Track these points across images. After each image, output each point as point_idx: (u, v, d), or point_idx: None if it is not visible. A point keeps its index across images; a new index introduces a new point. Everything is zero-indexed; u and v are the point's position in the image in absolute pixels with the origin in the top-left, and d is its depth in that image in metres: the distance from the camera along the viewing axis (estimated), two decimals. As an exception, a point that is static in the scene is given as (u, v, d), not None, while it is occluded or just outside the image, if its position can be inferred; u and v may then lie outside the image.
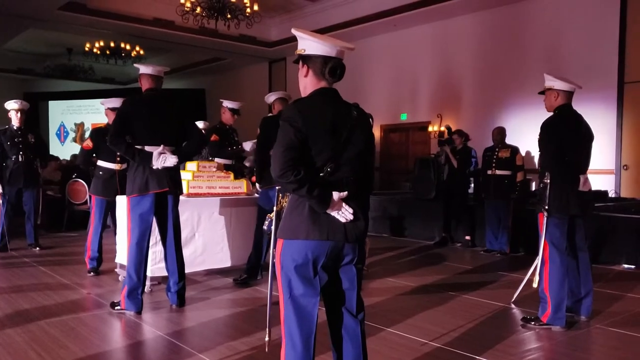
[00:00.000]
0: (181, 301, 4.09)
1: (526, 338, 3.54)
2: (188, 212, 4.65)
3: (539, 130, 3.80)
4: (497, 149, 6.65)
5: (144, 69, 4.00)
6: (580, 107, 8.83)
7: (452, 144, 7.38)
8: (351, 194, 2.15)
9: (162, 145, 3.82)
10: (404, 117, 12.28)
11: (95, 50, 14.37)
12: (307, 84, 2.24)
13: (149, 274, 4.49)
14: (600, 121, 9.03)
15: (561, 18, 9.49)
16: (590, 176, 9.35)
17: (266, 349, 2.50)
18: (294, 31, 2.24)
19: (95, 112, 16.76)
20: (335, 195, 2.10)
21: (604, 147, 9.08)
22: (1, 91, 17.50)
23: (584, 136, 3.84)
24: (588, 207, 3.84)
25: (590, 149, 3.95)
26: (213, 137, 5.67)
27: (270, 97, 5.11)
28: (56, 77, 17.64)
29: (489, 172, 6.61)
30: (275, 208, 2.31)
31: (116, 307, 3.91)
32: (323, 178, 2.11)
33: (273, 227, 2.31)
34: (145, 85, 3.99)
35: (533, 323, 3.77)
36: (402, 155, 12.54)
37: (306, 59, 2.21)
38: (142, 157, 3.79)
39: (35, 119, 17.36)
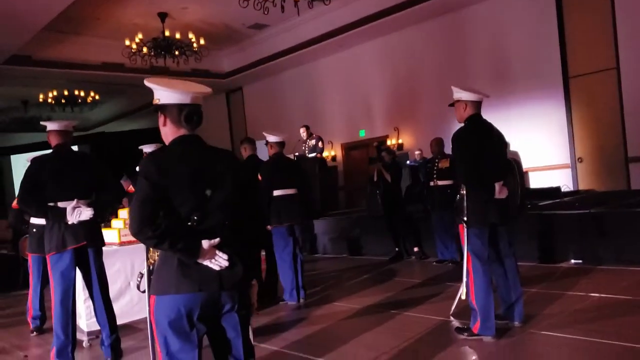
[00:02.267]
0: (115, 354, 4.00)
1: (458, 353, 3.54)
2: (119, 262, 4.59)
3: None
4: (437, 160, 6.71)
5: (50, 125, 3.98)
6: (530, 106, 9.27)
7: (383, 161, 7.46)
8: (226, 240, 2.13)
9: (75, 200, 3.78)
10: (362, 134, 12.38)
11: (49, 100, 14.33)
12: (167, 132, 2.23)
13: (85, 328, 4.45)
14: (551, 118, 9.25)
15: (502, 22, 9.73)
16: (545, 172, 9.57)
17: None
18: (146, 82, 2.23)
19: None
20: (205, 243, 2.08)
21: (557, 143, 9.26)
22: (-40, 148, 17.33)
23: (496, 144, 3.88)
24: (507, 214, 3.85)
25: (505, 156, 3.99)
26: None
27: None
28: (14, 131, 17.50)
29: (432, 183, 6.66)
30: (145, 263, 2.28)
31: (46, 370, 3.82)
32: (191, 228, 2.09)
33: (145, 283, 2.28)
34: (53, 141, 3.97)
35: (465, 334, 3.77)
36: (364, 172, 12.56)
37: (162, 109, 2.20)
38: (55, 214, 3.74)
39: (-1, 174, 17.15)
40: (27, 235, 7.92)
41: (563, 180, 9.04)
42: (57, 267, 3.76)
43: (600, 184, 8.89)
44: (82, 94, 14.40)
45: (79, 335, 4.41)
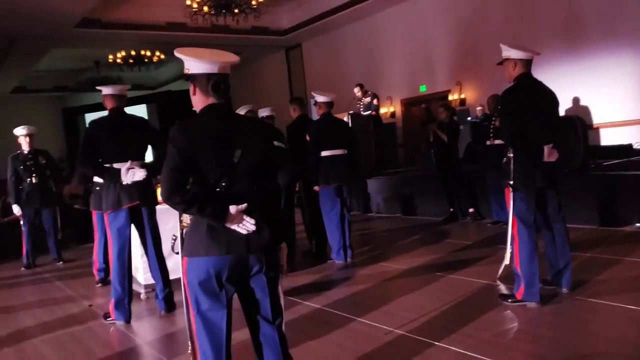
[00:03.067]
0: (169, 307, 4.27)
1: (496, 319, 3.50)
2: (173, 220, 4.76)
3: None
4: (493, 118, 6.45)
5: (105, 90, 4.16)
6: (603, 57, 8.69)
7: (436, 121, 7.24)
8: (253, 205, 2.20)
9: (129, 161, 3.98)
10: (423, 89, 12.04)
11: (118, 60, 14.89)
12: (196, 102, 2.28)
13: (142, 282, 4.76)
14: (626, 70, 8.62)
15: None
16: (618, 129, 9.02)
17: (191, 360, 2.61)
18: (176, 53, 2.28)
19: (130, 119, 17.38)
20: (233, 208, 2.15)
21: (631, 96, 8.63)
22: (42, 109, 18.52)
23: (547, 105, 3.69)
24: (556, 177, 3.70)
25: (556, 117, 3.80)
26: None
27: (240, 112, 5.16)
28: (89, 90, 18.39)
29: (488, 142, 6.44)
30: (179, 227, 2.39)
31: (107, 318, 4.15)
32: (220, 193, 2.17)
33: (179, 246, 2.40)
34: (108, 105, 4.16)
35: (509, 300, 3.72)
36: (424, 129, 12.36)
37: (191, 78, 2.25)
38: (111, 175, 3.98)
39: (76, 132, 18.21)
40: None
41: (638, 137, 8.47)
42: (114, 224, 4.02)
43: (679, 141, 8.26)
44: (149, 53, 14.80)
45: (137, 288, 4.76)
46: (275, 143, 3.58)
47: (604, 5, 8.66)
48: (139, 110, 18.43)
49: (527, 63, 3.68)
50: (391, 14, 12.19)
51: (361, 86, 9.90)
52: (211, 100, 2.24)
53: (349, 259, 5.47)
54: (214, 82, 2.21)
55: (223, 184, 2.16)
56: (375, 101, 9.67)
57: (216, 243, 2.15)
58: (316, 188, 5.59)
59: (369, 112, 9.65)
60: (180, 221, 2.36)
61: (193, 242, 2.20)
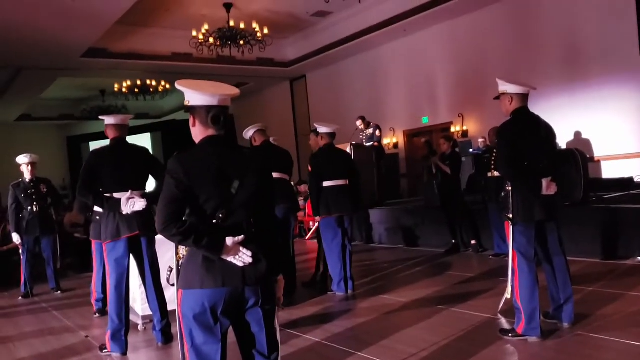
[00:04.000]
0: (166, 338, 4.22)
1: (496, 354, 3.45)
2: (171, 251, 4.75)
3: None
4: (494, 150, 6.46)
5: (107, 119, 4.19)
6: (604, 90, 8.76)
7: (438, 154, 7.27)
8: (250, 237, 2.20)
9: (130, 191, 3.99)
10: (425, 121, 12.15)
11: (124, 89, 15.07)
12: (196, 133, 2.30)
13: (140, 312, 4.71)
14: (626, 103, 8.70)
15: (573, 1, 9.15)
16: (619, 162, 9.06)
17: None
18: (177, 85, 2.31)
19: (134, 148, 17.47)
20: (229, 240, 2.14)
21: (632, 129, 8.70)
22: (46, 137, 18.67)
23: (544, 138, 3.71)
24: (555, 210, 3.69)
25: (553, 150, 3.82)
26: None
27: (249, 132, 5.36)
28: (93, 119, 18.59)
29: (489, 174, 6.45)
30: (175, 258, 2.38)
31: (103, 350, 4.10)
32: (216, 225, 2.16)
33: (175, 278, 2.38)
34: (110, 134, 4.19)
35: (510, 335, 3.67)
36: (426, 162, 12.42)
37: (191, 110, 2.28)
38: (111, 204, 3.98)
39: (79, 160, 18.30)
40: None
41: (638, 170, 8.48)
42: (112, 254, 4.00)
43: (679, 175, 8.26)
44: (154, 83, 15.00)
45: (134, 319, 4.70)
46: (275, 175, 3.60)
47: (605, 40, 8.78)
48: (143, 139, 18.56)
49: (524, 97, 3.71)
50: (394, 47, 12.39)
51: (363, 119, 10.00)
52: (210, 132, 2.26)
53: (350, 291, 5.42)
54: (213, 115, 2.23)
55: (220, 215, 2.16)
56: (377, 132, 9.74)
57: (212, 275, 2.14)
58: (317, 218, 5.59)
59: (371, 143, 9.71)
60: (177, 253, 2.35)
61: (188, 274, 2.19)
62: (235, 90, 2.37)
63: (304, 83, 15.37)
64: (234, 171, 2.20)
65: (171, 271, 2.47)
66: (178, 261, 2.35)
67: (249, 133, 5.46)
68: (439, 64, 11.54)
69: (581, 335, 3.58)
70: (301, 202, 10.23)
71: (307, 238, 10.38)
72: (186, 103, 2.29)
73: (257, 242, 2.22)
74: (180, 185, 2.11)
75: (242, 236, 2.17)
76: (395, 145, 12.66)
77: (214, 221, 2.15)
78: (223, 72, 13.65)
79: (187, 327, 2.19)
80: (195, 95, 2.25)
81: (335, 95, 14.03)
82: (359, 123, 9.93)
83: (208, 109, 2.24)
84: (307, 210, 9.60)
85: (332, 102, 13.99)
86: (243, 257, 2.17)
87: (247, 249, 2.17)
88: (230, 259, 2.15)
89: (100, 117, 4.33)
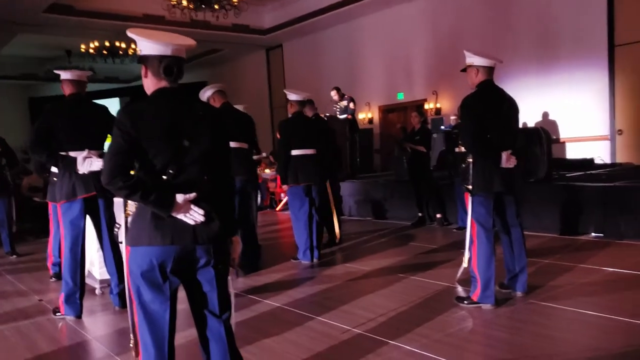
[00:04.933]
0: (123, 302, 4.11)
1: (452, 319, 3.50)
2: (132, 213, 4.70)
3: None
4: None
5: (64, 74, 4.03)
6: (572, 73, 8.87)
7: (410, 137, 7.34)
8: (203, 195, 2.14)
9: (87, 150, 3.86)
10: (400, 97, 12.15)
11: (91, 50, 14.51)
12: (148, 85, 2.21)
13: (98, 276, 4.63)
14: (593, 86, 8.85)
15: (548, -15, 9.21)
16: (583, 143, 9.25)
17: (133, 354, 2.53)
18: (128, 33, 2.21)
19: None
20: (180, 197, 2.08)
21: (597, 113, 8.87)
22: (6, 97, 17.94)
23: (507, 112, 3.73)
24: (514, 184, 3.73)
25: (516, 124, 3.85)
26: None
27: (207, 92, 5.03)
28: (58, 80, 17.87)
29: (456, 149, 6.49)
30: (123, 215, 2.32)
31: (57, 313, 4.02)
32: (167, 181, 2.10)
33: (122, 235, 2.33)
34: (67, 90, 4.03)
35: (465, 302, 3.74)
36: (398, 133, 12.46)
37: (143, 60, 2.18)
38: (66, 163, 3.84)
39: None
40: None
41: (601, 152, 8.68)
42: (67, 215, 3.89)
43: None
44: (124, 45, 14.49)
45: (92, 283, 4.63)
46: (232, 144, 3.48)
47: (576, 24, 8.89)
48: (112, 104, 18.06)
49: (490, 70, 3.72)
50: (372, 20, 12.27)
51: (338, 89, 9.91)
52: (163, 83, 2.17)
53: (315, 260, 5.43)
54: (166, 65, 2.14)
55: (170, 171, 2.09)
56: (351, 105, 9.68)
57: (160, 232, 2.08)
58: (285, 187, 5.54)
59: (345, 115, 9.65)
60: (125, 209, 2.29)
61: (136, 230, 2.12)
62: (190, 41, 2.28)
63: (280, 52, 15.11)
64: (186, 126, 2.13)
65: (119, 228, 2.40)
66: (126, 217, 2.30)
67: (206, 93, 5.10)
68: (417, 40, 11.50)
69: (533, 304, 3.67)
70: (272, 172, 10.17)
71: (277, 209, 10.35)
72: (138, 52, 2.20)
73: (211, 200, 2.16)
74: (127, 137, 2.03)
75: (194, 194, 2.10)
76: (370, 121, 12.65)
77: (164, 177, 2.09)
78: (196, 36, 13.00)
79: (134, 285, 2.14)
80: (147, 44, 2.15)
81: (312, 66, 13.87)
82: (333, 94, 9.84)
83: (160, 58, 2.14)
84: (277, 182, 9.55)
85: (308, 73, 13.83)
86: (194, 215, 2.11)
87: (199, 207, 2.11)
88: (180, 216, 2.09)
89: (55, 71, 4.14)
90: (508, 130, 3.71)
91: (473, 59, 3.71)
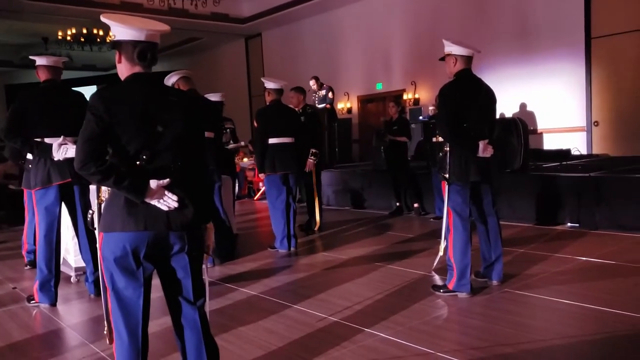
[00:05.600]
0: (98, 290, 4.08)
1: (428, 307, 3.54)
2: (108, 200, 4.65)
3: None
4: (439, 115, 6.54)
5: (39, 60, 3.97)
6: (550, 65, 8.97)
7: (388, 127, 7.36)
8: (177, 181, 2.12)
9: (62, 137, 3.81)
10: (379, 87, 12.16)
11: (68, 38, 14.28)
12: (122, 70, 2.19)
13: (73, 264, 4.58)
14: (570, 78, 8.95)
15: (525, -25, 9.29)
16: (560, 135, 9.39)
17: (107, 341, 2.51)
18: (102, 18, 2.18)
19: (78, 101, 16.70)
20: (153, 183, 2.06)
21: (574, 105, 8.99)
22: (-20, 84, 17.60)
23: (484, 101, 3.76)
24: (490, 173, 3.77)
25: (492, 114, 3.88)
26: None
27: (172, 78, 4.83)
28: (34, 67, 17.47)
29: (434, 139, 6.52)
30: (96, 201, 2.29)
31: (31, 301, 3.97)
32: (140, 166, 2.08)
33: (95, 221, 2.30)
34: (42, 76, 3.97)
35: (441, 291, 3.78)
36: (380, 125, 12.45)
37: (117, 45, 2.16)
38: (41, 150, 3.79)
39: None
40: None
41: (577, 143, 8.82)
42: (42, 202, 3.84)
43: (615, 149, 8.63)
44: (102, 33, 14.27)
45: (67, 271, 4.58)
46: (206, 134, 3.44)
47: (553, 15, 8.97)
48: (89, 92, 17.64)
49: (468, 59, 3.74)
50: (351, 10, 12.24)
51: (317, 79, 9.89)
52: (137, 69, 2.15)
53: (292, 248, 5.43)
54: (140, 50, 2.12)
55: (144, 157, 2.07)
56: (330, 94, 9.68)
57: (133, 218, 2.06)
58: (262, 175, 5.54)
59: (323, 104, 9.64)
60: (98, 196, 2.26)
61: (110, 216, 2.10)
62: (164, 27, 2.25)
63: (260, 41, 15.02)
64: (160, 111, 2.11)
65: (92, 214, 2.37)
66: (99, 204, 2.27)
67: (171, 79, 4.90)
68: (395, 30, 11.51)
69: (508, 292, 3.73)
70: (250, 161, 10.13)
71: (255, 198, 10.32)
72: (112, 37, 2.17)
73: (185, 186, 2.15)
74: (100, 122, 2.01)
75: (168, 180, 2.08)
76: (349, 110, 12.65)
77: (137, 162, 2.07)
78: (175, 24, 13.05)
79: (107, 271, 2.12)
80: (121, 29, 2.13)
81: (291, 55, 13.80)
82: (312, 83, 9.83)
83: (134, 44, 2.12)
84: (255, 171, 9.51)
85: (287, 62, 13.77)
86: (168, 202, 2.09)
87: (173, 193, 2.10)
88: (154, 202, 2.07)
89: (30, 57, 4.06)
90: (485, 119, 3.74)
91: (451, 48, 3.73)
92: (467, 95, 3.68)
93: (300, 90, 6.32)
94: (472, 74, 3.76)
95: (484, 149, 3.68)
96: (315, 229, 6.38)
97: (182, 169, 2.16)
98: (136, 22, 2.20)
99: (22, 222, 6.90)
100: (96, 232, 2.29)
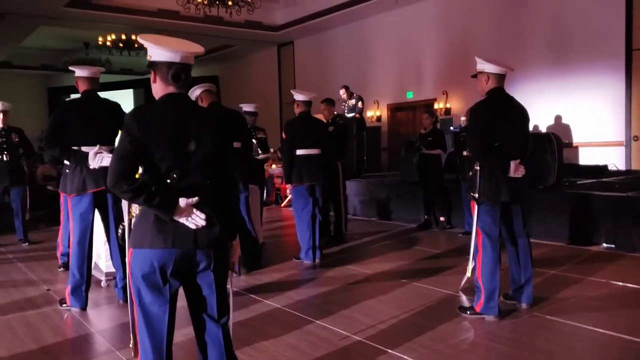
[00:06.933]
0: (126, 296, 4.17)
1: (454, 329, 3.49)
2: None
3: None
4: (470, 129, 6.46)
5: (78, 72, 4.08)
6: (588, 77, 8.79)
7: (422, 139, 7.28)
8: (205, 199, 2.16)
9: (98, 145, 3.92)
10: (410, 95, 12.10)
11: (108, 43, 14.67)
12: (157, 90, 2.24)
13: (104, 269, 4.69)
14: (609, 91, 8.73)
15: (565, -15, 9.10)
16: (597, 149, 9.17)
17: (132, 354, 2.55)
18: (139, 38, 2.24)
19: (115, 104, 17.09)
20: (183, 201, 2.10)
21: (613, 118, 8.76)
22: (27, 87, 18.21)
23: (516, 120, 3.70)
24: (521, 193, 3.70)
25: (525, 133, 3.80)
26: None
27: (196, 91, 4.88)
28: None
29: (464, 152, 6.44)
30: (127, 217, 2.34)
31: (63, 304, 4.08)
32: (171, 185, 2.12)
33: (126, 236, 2.35)
34: (81, 87, 4.09)
35: (468, 312, 3.72)
36: (409, 134, 12.38)
37: (153, 66, 2.21)
38: (78, 158, 3.91)
39: (60, 112, 17.91)
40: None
41: (615, 159, 8.58)
42: (77, 208, 3.95)
43: (656, 165, 8.39)
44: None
45: (98, 275, 4.69)
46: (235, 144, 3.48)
47: (591, 27, 8.76)
48: (126, 95, 18.18)
49: (501, 78, 3.68)
50: (383, 19, 12.22)
51: (347, 88, 9.90)
52: (171, 89, 2.20)
53: (317, 260, 5.44)
54: (174, 71, 2.17)
55: (174, 175, 2.11)
56: (360, 104, 9.67)
57: (162, 235, 2.10)
58: (289, 186, 5.58)
59: (353, 114, 9.64)
60: (129, 211, 2.31)
61: (139, 232, 2.15)
62: (199, 48, 2.29)
63: (292, 49, 15.13)
64: (191, 131, 2.15)
65: (123, 229, 2.42)
66: (130, 220, 2.31)
67: (195, 92, 4.92)
68: (427, 39, 11.44)
69: (537, 317, 3.64)
70: (279, 168, 10.19)
71: (282, 205, 10.37)
72: (148, 58, 2.22)
73: (213, 204, 2.18)
74: (134, 141, 2.06)
75: (196, 198, 2.12)
76: (379, 119, 12.61)
77: (168, 181, 2.11)
78: (209, 32, 13.34)
79: (135, 286, 2.17)
80: (157, 50, 2.18)
81: (322, 63, 13.86)
82: (342, 92, 9.84)
83: (169, 65, 2.17)
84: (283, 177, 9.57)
85: (318, 70, 13.84)
86: (196, 220, 2.13)
87: (201, 211, 2.13)
88: (182, 220, 2.11)
89: (70, 68, 4.18)
90: (517, 138, 3.67)
91: (484, 66, 3.68)
92: (499, 114, 3.62)
93: (332, 103, 6.38)
94: (505, 92, 3.70)
95: (516, 169, 3.61)
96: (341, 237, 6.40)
97: (211, 187, 2.20)
98: (172, 43, 2.24)
99: (58, 223, 7.14)
100: (126, 246, 2.34)
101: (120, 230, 2.50)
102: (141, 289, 2.15)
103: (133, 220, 2.26)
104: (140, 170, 2.13)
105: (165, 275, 2.14)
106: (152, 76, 2.23)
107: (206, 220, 2.14)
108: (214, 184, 2.21)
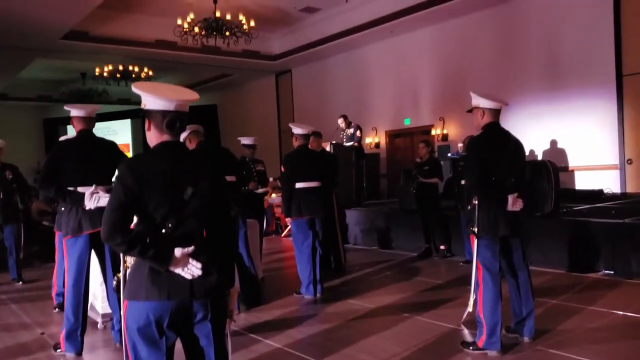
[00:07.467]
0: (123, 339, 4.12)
1: (456, 366, 3.43)
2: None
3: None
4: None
5: (74, 111, 4.06)
6: (580, 102, 8.87)
7: (419, 168, 7.30)
8: (201, 248, 2.13)
9: (94, 185, 3.88)
10: (407, 122, 12.19)
11: (105, 74, 14.76)
12: (151, 138, 2.23)
13: (100, 310, 4.61)
14: (601, 116, 8.82)
15: (555, 14, 9.32)
16: (592, 172, 9.20)
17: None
18: (133, 87, 2.23)
19: (113, 134, 17.13)
20: (178, 251, 2.07)
21: (606, 142, 8.83)
22: (23, 118, 18.24)
23: (513, 154, 3.70)
24: (520, 226, 3.69)
25: (522, 166, 3.80)
26: None
27: (183, 134, 4.90)
28: (72, 102, 18.03)
29: (462, 181, 6.43)
30: (121, 268, 2.31)
31: (57, 350, 3.99)
32: (166, 234, 2.09)
33: (121, 287, 2.31)
34: (77, 127, 4.07)
35: (471, 348, 3.67)
36: (407, 161, 12.44)
37: (147, 114, 2.20)
38: (74, 198, 3.86)
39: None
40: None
41: (610, 182, 8.61)
42: (72, 250, 3.89)
43: (650, 187, 8.40)
44: (137, 69, 14.72)
45: (94, 317, 4.61)
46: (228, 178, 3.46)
47: (584, 53, 8.90)
48: (124, 125, 18.27)
49: (496, 112, 3.70)
50: (380, 47, 12.39)
51: (345, 117, 9.96)
52: (165, 137, 2.19)
53: (318, 295, 5.38)
54: (169, 120, 2.16)
55: (169, 225, 2.09)
56: (358, 133, 9.73)
57: (157, 287, 2.06)
58: (289, 219, 5.55)
59: (351, 142, 9.67)
60: (124, 261, 2.28)
61: (134, 284, 2.11)
62: (194, 96, 2.29)
63: (290, 77, 15.28)
64: (187, 178, 2.13)
65: (118, 281, 2.39)
66: (125, 270, 2.28)
67: (182, 135, 5.02)
68: (424, 66, 11.57)
69: (540, 351, 3.59)
70: (278, 198, 10.16)
71: (283, 235, 10.32)
72: (142, 106, 2.21)
73: (209, 253, 2.15)
74: (128, 191, 2.04)
75: (192, 247, 2.09)
76: (377, 145, 12.66)
77: (163, 230, 2.08)
78: (207, 62, 13.48)
79: (130, 340, 2.12)
80: (151, 99, 2.17)
81: (320, 91, 13.99)
82: (340, 121, 9.89)
83: (164, 114, 2.16)
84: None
85: (316, 99, 13.95)
86: (192, 270, 2.09)
87: (197, 260, 2.10)
88: (178, 270, 2.08)
89: (66, 107, 4.17)
90: (513, 172, 3.67)
91: (479, 101, 3.70)
92: (495, 148, 3.62)
93: (319, 135, 6.29)
94: (500, 126, 3.72)
95: (513, 203, 3.60)
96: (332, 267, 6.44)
97: (207, 234, 2.17)
98: (166, 91, 2.23)
99: (54, 260, 7.05)
100: (121, 297, 2.30)
101: (114, 282, 2.46)
102: (137, 343, 2.10)
103: (128, 271, 2.22)
104: (135, 219, 2.11)
105: (162, 328, 2.09)
106: (146, 124, 2.22)
107: (202, 269, 2.11)
108: (210, 230, 2.19)
